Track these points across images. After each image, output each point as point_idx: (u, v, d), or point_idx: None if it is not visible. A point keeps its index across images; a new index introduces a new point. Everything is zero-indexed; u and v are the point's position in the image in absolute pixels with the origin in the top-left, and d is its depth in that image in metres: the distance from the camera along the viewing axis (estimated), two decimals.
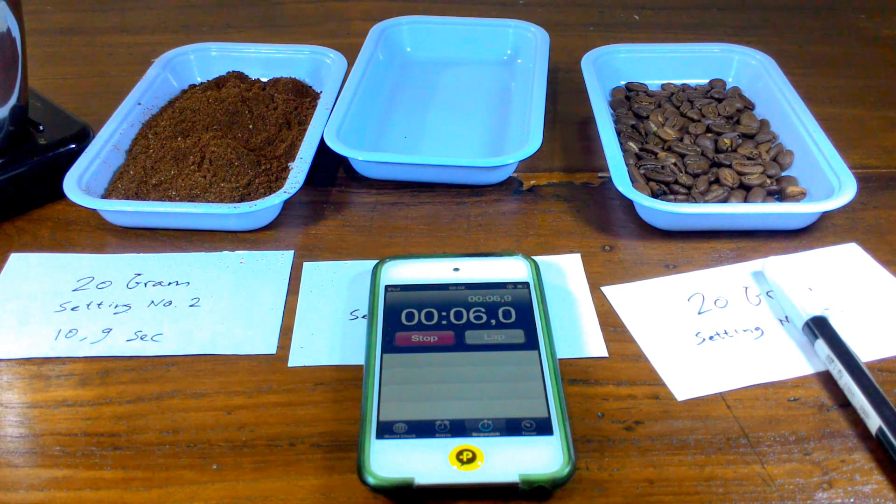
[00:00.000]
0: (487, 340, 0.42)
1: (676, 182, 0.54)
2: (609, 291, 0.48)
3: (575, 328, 0.46)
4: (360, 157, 0.55)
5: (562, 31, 0.77)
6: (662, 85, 0.67)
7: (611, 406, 0.41)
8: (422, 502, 0.36)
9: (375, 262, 0.47)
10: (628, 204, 0.54)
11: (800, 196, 0.54)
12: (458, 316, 0.43)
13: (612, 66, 0.66)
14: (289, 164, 0.56)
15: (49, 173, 0.54)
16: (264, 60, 0.68)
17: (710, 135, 0.59)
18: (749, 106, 0.63)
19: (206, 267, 0.50)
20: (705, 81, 0.67)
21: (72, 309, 0.47)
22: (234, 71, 0.66)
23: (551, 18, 0.81)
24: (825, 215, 0.53)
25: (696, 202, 0.53)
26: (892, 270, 0.49)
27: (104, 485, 0.38)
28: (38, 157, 0.54)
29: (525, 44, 0.71)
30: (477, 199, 0.56)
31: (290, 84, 0.64)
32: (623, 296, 0.48)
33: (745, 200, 0.53)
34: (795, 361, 0.43)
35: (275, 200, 0.51)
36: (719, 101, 0.63)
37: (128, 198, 0.53)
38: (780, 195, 0.54)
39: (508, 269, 0.46)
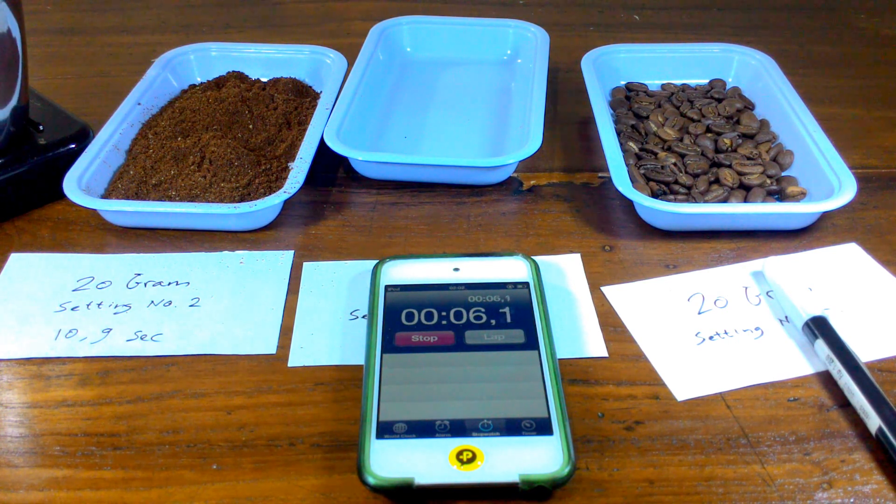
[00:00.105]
0: (487, 340, 0.42)
1: (676, 182, 0.55)
2: (609, 291, 0.48)
3: (575, 328, 0.46)
4: (360, 157, 0.55)
5: (562, 31, 0.77)
6: (662, 85, 0.67)
7: (611, 406, 0.41)
8: (422, 502, 0.36)
9: (375, 262, 0.47)
10: (628, 204, 0.54)
11: (800, 196, 0.54)
12: (458, 316, 0.43)
13: (612, 66, 0.66)
14: (289, 164, 0.56)
15: (49, 173, 0.54)
16: (264, 60, 0.68)
17: (710, 135, 0.59)
18: (749, 106, 0.63)
19: (206, 267, 0.50)
20: (705, 81, 0.67)
21: (72, 309, 0.47)
22: (234, 71, 0.66)
23: (551, 18, 0.81)
24: (825, 215, 0.53)
25: (696, 202, 0.53)
26: (892, 270, 0.49)
27: (104, 485, 0.38)
28: (38, 157, 0.54)
29: (525, 44, 0.71)
30: (477, 199, 0.56)
31: (290, 84, 0.64)
32: (623, 296, 0.48)
33: (745, 200, 0.53)
34: (795, 361, 0.43)
35: (275, 200, 0.51)
36: (719, 101, 0.63)
37: (128, 198, 0.53)
38: (780, 195, 0.54)
39: (508, 269, 0.46)
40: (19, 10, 0.52)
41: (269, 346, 0.45)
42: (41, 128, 0.56)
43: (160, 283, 0.49)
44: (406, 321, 0.43)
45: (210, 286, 0.49)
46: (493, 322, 0.43)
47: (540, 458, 0.36)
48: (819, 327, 0.43)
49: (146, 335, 0.45)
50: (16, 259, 0.51)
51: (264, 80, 0.66)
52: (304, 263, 0.50)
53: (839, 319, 0.45)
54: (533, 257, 0.47)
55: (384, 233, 0.53)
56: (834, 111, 0.66)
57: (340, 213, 0.55)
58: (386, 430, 0.37)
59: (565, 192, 0.57)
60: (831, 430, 0.40)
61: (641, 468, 0.38)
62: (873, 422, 0.39)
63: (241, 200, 0.53)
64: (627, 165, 0.54)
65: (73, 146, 0.55)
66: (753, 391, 0.42)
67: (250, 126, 0.59)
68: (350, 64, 0.66)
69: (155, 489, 0.37)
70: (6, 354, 0.44)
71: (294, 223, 0.54)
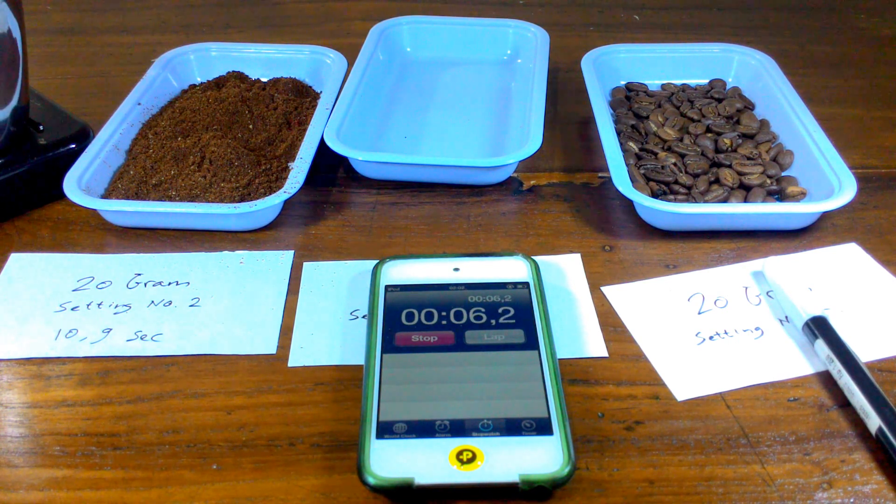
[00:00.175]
0: (487, 340, 0.42)
1: (676, 182, 0.55)
2: (609, 291, 0.48)
3: (575, 328, 0.46)
4: (360, 157, 0.55)
5: (562, 31, 0.77)
6: (662, 85, 0.67)
7: (611, 406, 0.41)
8: (422, 502, 0.36)
9: (375, 262, 0.47)
10: (628, 204, 0.54)
11: (800, 196, 0.54)
12: (458, 316, 0.43)
13: (612, 66, 0.66)
14: (289, 164, 0.56)
15: (49, 173, 0.54)
16: (264, 60, 0.68)
17: (710, 135, 0.59)
18: (749, 106, 0.63)
19: (206, 267, 0.50)
20: (705, 81, 0.67)
21: (72, 309, 0.47)
22: (234, 71, 0.66)
23: (551, 18, 0.81)
24: (825, 215, 0.53)
25: (696, 202, 0.53)
26: (892, 270, 0.49)
27: (104, 485, 0.38)
28: (38, 157, 0.54)
29: (525, 44, 0.71)
30: (477, 199, 0.56)
31: (290, 84, 0.64)
32: (623, 296, 0.48)
33: (745, 200, 0.53)
34: (795, 361, 0.43)
35: (275, 200, 0.51)
36: (719, 101, 0.63)
37: (128, 198, 0.53)
38: (780, 195, 0.54)
39: (508, 269, 0.46)
40: (19, 10, 0.52)
41: (269, 346, 0.45)
42: (41, 128, 0.56)
43: (160, 283, 0.49)
44: (406, 321, 0.43)
45: (210, 286, 0.49)
46: (493, 322, 0.43)
47: (540, 458, 0.36)
48: (819, 327, 0.43)
49: (146, 335, 0.45)
50: (16, 259, 0.51)
51: (264, 80, 0.66)
52: (304, 263, 0.50)
53: (839, 319, 0.45)
54: (533, 257, 0.47)
55: (384, 233, 0.53)
56: (834, 111, 0.66)
57: (340, 213, 0.55)
58: (386, 430, 0.37)
59: (565, 192, 0.57)
60: (831, 430, 0.40)
61: (641, 468, 0.38)
62: (873, 422, 0.39)
63: (241, 200, 0.53)
64: (627, 165, 0.54)
65: (73, 146, 0.55)
66: (753, 391, 0.42)
67: (250, 126, 0.59)
68: (350, 64, 0.66)
69: (155, 489, 0.37)
70: (6, 354, 0.44)
71: (294, 223, 0.54)
